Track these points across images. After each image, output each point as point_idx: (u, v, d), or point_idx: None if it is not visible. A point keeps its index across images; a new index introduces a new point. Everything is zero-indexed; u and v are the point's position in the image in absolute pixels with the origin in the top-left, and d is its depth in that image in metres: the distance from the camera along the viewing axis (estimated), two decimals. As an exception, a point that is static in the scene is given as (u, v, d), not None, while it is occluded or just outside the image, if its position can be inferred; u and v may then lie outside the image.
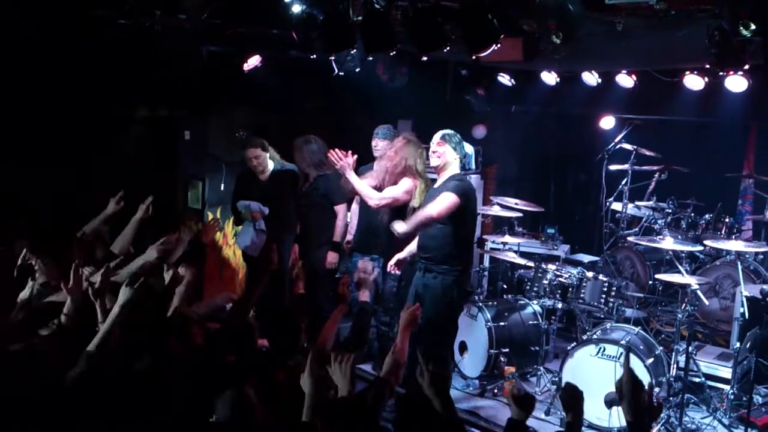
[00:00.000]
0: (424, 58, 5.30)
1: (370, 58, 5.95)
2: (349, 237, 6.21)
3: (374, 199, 5.34)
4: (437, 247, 4.87)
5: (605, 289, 5.72)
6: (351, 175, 5.29)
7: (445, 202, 4.74)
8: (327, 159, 5.61)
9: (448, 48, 4.55)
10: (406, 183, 5.44)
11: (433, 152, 4.99)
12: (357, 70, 6.13)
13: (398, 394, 3.21)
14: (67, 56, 5.68)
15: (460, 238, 4.88)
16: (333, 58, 5.62)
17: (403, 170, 5.43)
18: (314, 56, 5.30)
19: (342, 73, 5.95)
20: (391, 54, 5.57)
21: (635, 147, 7.04)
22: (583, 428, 5.11)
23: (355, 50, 5.17)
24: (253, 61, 6.31)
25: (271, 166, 6.21)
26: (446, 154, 4.95)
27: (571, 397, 2.94)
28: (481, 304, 6.03)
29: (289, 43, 5.34)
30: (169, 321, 3.79)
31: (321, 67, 5.91)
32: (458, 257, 4.89)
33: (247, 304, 4.33)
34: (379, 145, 5.89)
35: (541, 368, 5.82)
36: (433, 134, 5.05)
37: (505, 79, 7.17)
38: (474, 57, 4.56)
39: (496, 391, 5.80)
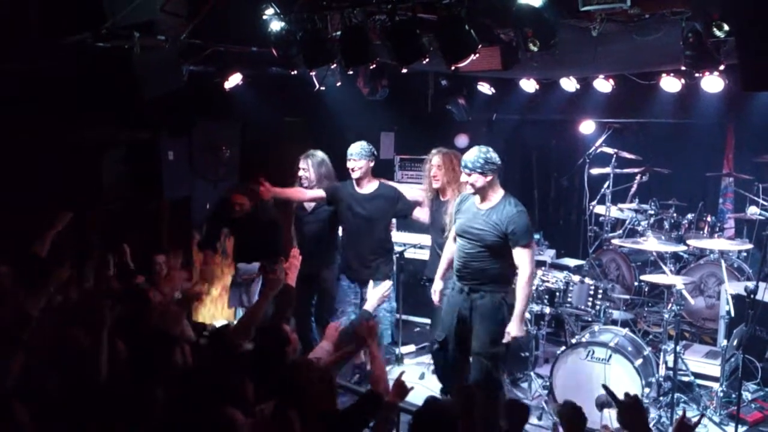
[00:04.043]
0: (404, 71, 5.34)
1: (350, 72, 5.98)
2: None
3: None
4: (485, 267, 4.73)
5: (592, 292, 5.77)
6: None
7: (533, 251, 4.73)
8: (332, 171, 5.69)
9: (427, 60, 4.59)
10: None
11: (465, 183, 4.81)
12: (338, 84, 6.17)
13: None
14: (45, 81, 5.67)
15: (509, 257, 4.72)
16: (313, 73, 5.65)
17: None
18: (295, 72, 5.32)
19: (323, 88, 5.97)
20: (371, 67, 5.62)
21: (616, 150, 7.12)
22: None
23: (335, 65, 5.20)
24: (235, 80, 6.32)
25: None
26: (478, 182, 4.69)
27: (572, 416, 3.01)
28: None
29: (269, 60, 5.36)
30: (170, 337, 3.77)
31: (302, 82, 5.93)
32: (506, 275, 4.79)
33: (250, 323, 4.21)
34: (357, 165, 5.68)
35: (532, 373, 5.84)
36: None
37: (485, 87, 7.24)
38: (453, 68, 4.60)
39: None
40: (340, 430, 3.11)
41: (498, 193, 4.76)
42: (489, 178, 4.67)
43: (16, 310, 3.51)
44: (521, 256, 4.64)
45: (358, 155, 5.68)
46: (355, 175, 5.72)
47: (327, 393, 3.19)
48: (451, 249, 5.09)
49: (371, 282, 5.02)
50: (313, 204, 5.97)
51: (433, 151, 5.56)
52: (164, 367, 3.40)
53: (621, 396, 2.90)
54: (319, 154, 5.91)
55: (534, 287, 5.91)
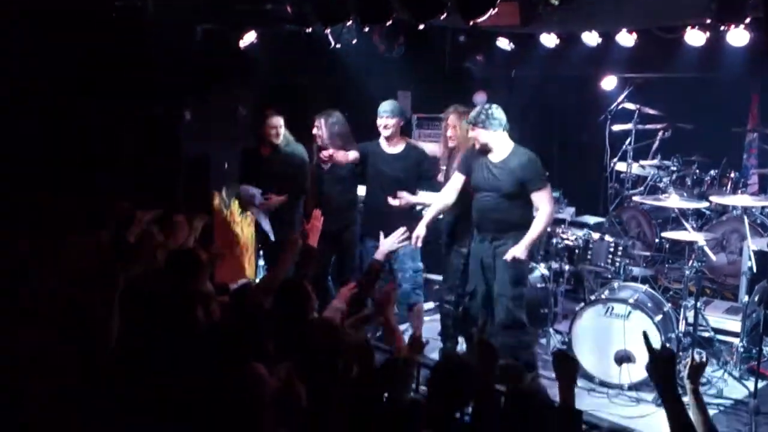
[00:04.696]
0: (421, 27, 5.26)
1: (366, 30, 5.92)
2: None
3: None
4: (504, 217, 4.89)
5: (612, 249, 5.74)
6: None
7: (549, 192, 4.90)
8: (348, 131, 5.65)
9: (444, 15, 4.52)
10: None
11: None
12: (354, 42, 6.10)
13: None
14: (61, 42, 5.67)
15: (526, 204, 4.91)
16: (329, 31, 5.59)
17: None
18: (310, 30, 5.27)
19: (339, 46, 5.91)
20: (387, 24, 5.54)
21: (638, 106, 7.01)
22: (595, 386, 5.19)
23: (350, 22, 5.14)
24: (249, 38, 6.27)
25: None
26: (480, 136, 4.87)
27: (562, 364, 3.02)
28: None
29: (283, 17, 5.31)
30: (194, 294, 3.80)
31: (317, 40, 5.87)
32: (525, 222, 4.89)
33: (272, 284, 4.21)
34: (389, 123, 5.62)
35: (551, 329, 5.85)
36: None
37: (503, 43, 7.12)
38: (471, 23, 4.54)
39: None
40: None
41: (507, 146, 4.91)
42: (492, 132, 4.81)
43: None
44: (540, 199, 4.85)
45: (391, 113, 5.63)
46: (386, 133, 5.66)
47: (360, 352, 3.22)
48: (443, 201, 5.17)
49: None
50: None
51: (449, 109, 5.49)
52: (187, 324, 3.46)
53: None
54: (335, 114, 5.86)
55: (553, 244, 5.92)
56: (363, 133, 5.78)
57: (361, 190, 6.18)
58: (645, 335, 2.74)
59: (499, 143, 4.89)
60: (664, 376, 2.63)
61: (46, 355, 2.99)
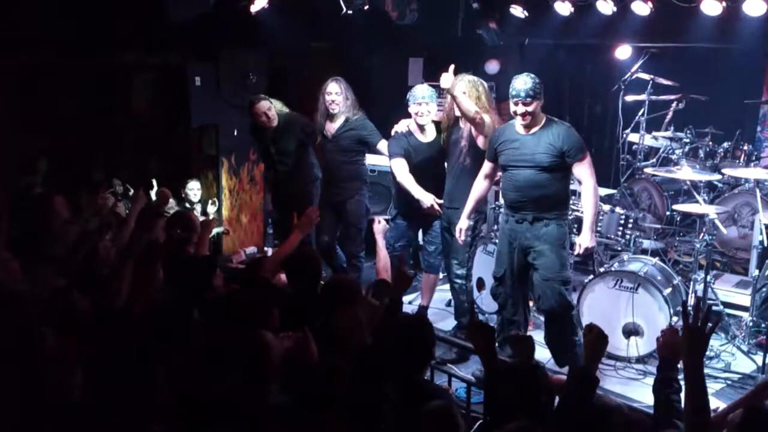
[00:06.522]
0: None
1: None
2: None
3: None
4: (544, 193, 4.62)
5: (622, 221, 5.71)
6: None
7: (590, 163, 4.66)
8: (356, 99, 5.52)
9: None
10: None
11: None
12: (365, 7, 6.02)
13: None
14: (72, 6, 5.65)
15: (566, 178, 4.72)
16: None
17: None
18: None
19: (350, 12, 5.84)
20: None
21: (652, 76, 6.92)
22: (603, 358, 5.19)
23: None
24: (260, 2, 6.21)
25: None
26: (538, 108, 4.58)
27: (518, 344, 3.11)
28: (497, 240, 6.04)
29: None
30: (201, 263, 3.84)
31: (329, 6, 5.81)
32: (565, 199, 4.76)
33: (278, 261, 4.21)
34: (429, 110, 5.37)
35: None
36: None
37: (517, 11, 7.01)
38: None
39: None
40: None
41: (541, 116, 4.66)
42: (542, 102, 4.60)
43: None
44: (582, 170, 4.63)
45: (430, 98, 5.35)
46: (423, 120, 5.37)
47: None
48: (480, 187, 4.99)
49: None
50: (334, 129, 5.83)
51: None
52: (203, 291, 3.50)
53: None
54: (341, 79, 5.77)
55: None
56: (365, 97, 5.66)
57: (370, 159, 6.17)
58: (684, 304, 2.72)
59: (540, 115, 4.65)
60: (693, 349, 2.58)
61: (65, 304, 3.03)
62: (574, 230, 5.75)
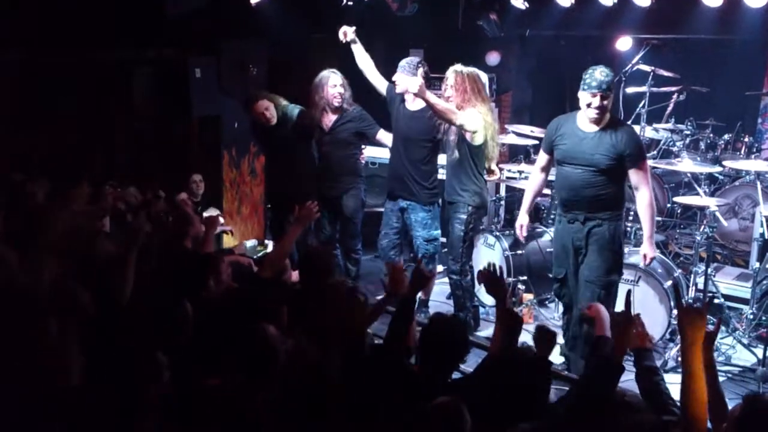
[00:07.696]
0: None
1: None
2: None
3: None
4: (599, 194, 4.43)
5: (623, 214, 5.69)
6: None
7: (648, 170, 4.49)
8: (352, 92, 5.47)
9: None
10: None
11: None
12: (366, -1, 6.01)
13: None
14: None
15: (622, 180, 4.51)
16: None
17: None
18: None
19: (351, 3, 5.81)
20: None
21: (653, 68, 6.89)
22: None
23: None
24: (261, -6, 6.20)
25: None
26: (610, 103, 4.38)
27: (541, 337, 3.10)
28: (498, 233, 6.04)
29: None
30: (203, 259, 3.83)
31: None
32: (620, 200, 4.55)
33: (281, 254, 4.14)
34: (399, 77, 5.27)
35: (560, 294, 5.85)
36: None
37: (518, 2, 6.98)
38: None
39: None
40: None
41: (607, 114, 4.42)
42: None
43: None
44: (639, 177, 4.42)
45: (401, 68, 5.29)
46: (399, 89, 5.30)
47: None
48: (536, 180, 4.87)
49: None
50: (331, 122, 5.77)
51: (450, 68, 5.16)
52: (201, 286, 3.50)
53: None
54: (338, 71, 5.74)
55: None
56: (374, 93, 5.66)
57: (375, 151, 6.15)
58: (676, 286, 2.69)
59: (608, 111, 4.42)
60: (693, 329, 2.57)
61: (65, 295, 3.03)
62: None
